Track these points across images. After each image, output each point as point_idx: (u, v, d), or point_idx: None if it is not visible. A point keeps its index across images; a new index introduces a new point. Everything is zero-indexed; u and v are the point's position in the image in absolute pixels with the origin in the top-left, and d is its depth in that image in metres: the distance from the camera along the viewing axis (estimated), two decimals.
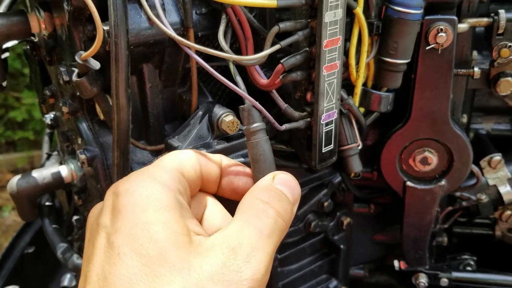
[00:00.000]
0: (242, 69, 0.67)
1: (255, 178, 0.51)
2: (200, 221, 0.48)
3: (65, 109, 0.65)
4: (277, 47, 0.57)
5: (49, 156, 0.81)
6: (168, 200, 0.41)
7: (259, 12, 0.64)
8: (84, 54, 0.54)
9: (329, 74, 0.60)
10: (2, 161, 3.00)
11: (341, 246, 0.86)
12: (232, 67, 0.57)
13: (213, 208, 0.49)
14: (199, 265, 0.38)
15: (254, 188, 0.48)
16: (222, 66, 0.70)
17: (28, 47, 0.74)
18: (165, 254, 0.38)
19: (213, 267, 0.38)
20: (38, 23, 0.63)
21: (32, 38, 0.72)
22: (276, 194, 0.47)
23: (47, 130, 0.89)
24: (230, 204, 0.50)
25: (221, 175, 0.51)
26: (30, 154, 2.99)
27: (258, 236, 0.41)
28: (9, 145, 3.13)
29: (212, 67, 0.69)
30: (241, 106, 0.54)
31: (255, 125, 0.52)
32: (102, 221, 0.42)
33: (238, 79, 0.57)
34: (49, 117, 0.76)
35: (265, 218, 0.43)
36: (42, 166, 0.79)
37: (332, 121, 0.63)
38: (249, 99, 0.56)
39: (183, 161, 0.47)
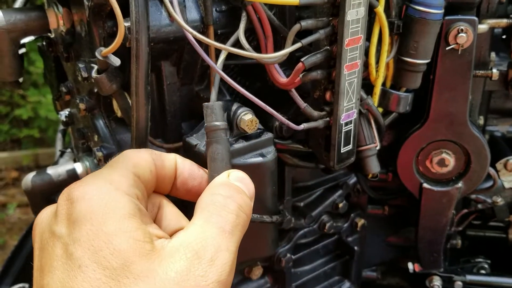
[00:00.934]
0: (261, 68, 0.67)
1: (210, 177, 0.50)
2: (155, 222, 0.47)
3: (82, 106, 0.65)
4: (298, 45, 0.56)
5: (62, 153, 0.81)
6: (126, 208, 0.40)
7: (279, 10, 0.63)
8: (104, 50, 0.53)
9: (349, 73, 0.59)
10: (7, 158, 3.00)
11: (355, 248, 0.85)
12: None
13: (167, 208, 0.48)
14: (164, 272, 0.37)
15: (212, 185, 0.47)
16: (239, 65, 0.69)
17: (44, 43, 0.74)
18: (129, 265, 0.37)
19: (178, 273, 0.37)
20: (56, 19, 0.62)
21: (49, 34, 0.71)
22: (235, 188, 0.46)
23: (60, 127, 0.89)
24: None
25: (176, 175, 0.49)
26: (35, 152, 3.00)
27: (220, 235, 0.41)
28: (14, 142, 3.13)
29: (229, 65, 0.69)
30: (205, 103, 0.53)
31: (215, 123, 0.52)
32: (57, 230, 0.40)
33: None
34: (63, 114, 0.75)
35: (226, 214, 0.43)
36: (55, 163, 0.78)
37: (351, 121, 0.63)
38: (258, 102, 0.56)
39: (139, 162, 0.45)
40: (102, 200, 0.39)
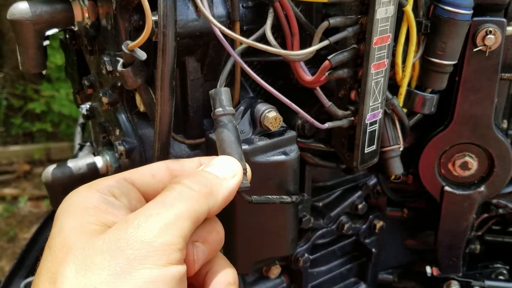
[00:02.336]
0: (283, 66, 0.66)
1: None
2: None
3: (104, 100, 0.64)
4: (325, 42, 0.56)
5: (81, 147, 0.81)
6: (88, 201, 0.44)
7: (305, 7, 0.63)
8: (131, 44, 0.53)
9: (377, 73, 0.58)
10: (19, 152, 3.03)
11: (373, 250, 0.84)
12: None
13: None
14: (93, 243, 0.39)
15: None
16: (262, 62, 0.69)
17: (66, 36, 0.74)
18: (67, 242, 0.40)
19: (106, 241, 0.39)
20: (82, 12, 0.62)
21: (72, 27, 0.71)
22: (196, 176, 0.45)
23: (80, 121, 0.89)
24: None
25: None
26: (47, 146, 3.02)
27: (156, 205, 0.42)
28: (26, 136, 3.15)
29: (251, 62, 0.69)
30: (211, 90, 0.53)
31: (220, 109, 0.51)
32: None
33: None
34: (84, 107, 0.75)
35: (167, 192, 0.43)
36: (74, 156, 0.78)
37: (376, 121, 0.62)
38: (283, 99, 0.55)
39: (139, 169, 0.49)
40: (72, 198, 0.45)
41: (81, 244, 0.40)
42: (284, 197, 0.58)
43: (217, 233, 0.46)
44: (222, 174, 0.46)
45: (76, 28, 0.71)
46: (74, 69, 0.77)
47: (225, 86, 0.67)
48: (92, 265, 0.38)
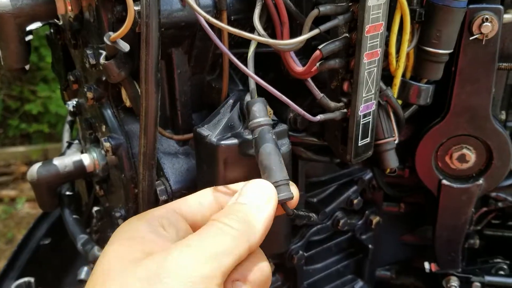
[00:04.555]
0: (275, 58, 0.64)
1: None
2: None
3: (89, 95, 0.62)
4: (316, 31, 0.54)
5: (69, 144, 0.79)
6: (132, 231, 0.45)
7: None
8: (113, 35, 0.51)
9: (369, 62, 0.56)
10: (16, 153, 3.01)
11: (369, 246, 0.82)
12: (250, 54, 0.55)
13: None
14: (131, 270, 0.40)
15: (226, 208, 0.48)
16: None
17: (51, 31, 0.72)
18: (107, 271, 0.41)
19: (144, 268, 0.40)
20: (64, 4, 0.60)
21: (56, 21, 0.69)
22: (232, 212, 0.45)
23: (68, 118, 0.87)
24: None
25: None
26: (44, 147, 3.00)
27: (197, 238, 0.43)
28: (24, 137, 3.14)
29: (241, 54, 0.67)
30: (248, 101, 0.53)
31: (255, 120, 0.51)
32: None
33: (251, 65, 0.55)
34: (71, 103, 0.73)
35: (208, 227, 0.44)
36: (62, 154, 0.76)
37: (370, 112, 0.60)
38: (273, 91, 0.53)
39: (187, 199, 0.50)
40: (124, 227, 0.46)
41: (120, 269, 0.40)
42: (311, 215, 0.58)
43: (262, 272, 0.45)
44: (256, 203, 0.46)
45: (60, 22, 0.69)
46: (61, 65, 0.75)
47: (214, 78, 0.65)
48: None
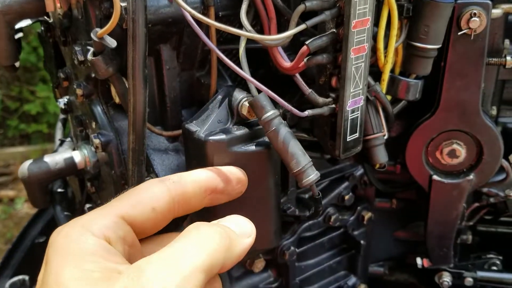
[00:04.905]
0: (264, 54, 0.64)
1: (290, 169, 0.52)
2: None
3: (79, 92, 0.63)
4: (302, 26, 0.54)
5: (62, 142, 0.79)
6: (84, 248, 0.39)
7: None
8: (100, 31, 0.51)
9: (356, 58, 0.57)
10: (16, 153, 3.01)
11: (361, 242, 0.83)
12: (242, 51, 0.55)
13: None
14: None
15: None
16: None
17: (42, 29, 0.72)
18: None
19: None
20: (53, 1, 0.60)
21: (47, 19, 0.69)
22: (215, 226, 0.43)
23: (61, 116, 0.87)
24: None
25: (207, 190, 0.48)
26: (44, 147, 3.01)
27: (174, 253, 0.39)
28: (23, 138, 3.14)
29: (230, 50, 0.67)
30: (250, 99, 0.53)
31: (267, 115, 0.52)
32: (39, 276, 0.41)
33: (244, 62, 0.55)
34: (62, 101, 0.73)
35: (186, 239, 0.40)
36: (55, 152, 0.76)
37: (358, 108, 0.60)
38: (260, 86, 0.53)
39: (138, 202, 0.44)
40: (65, 243, 0.40)
41: None
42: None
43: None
44: (240, 232, 0.45)
45: (51, 20, 0.69)
46: (52, 63, 0.75)
47: (203, 74, 0.65)
48: None
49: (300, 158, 0.52)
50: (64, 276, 0.37)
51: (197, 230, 0.41)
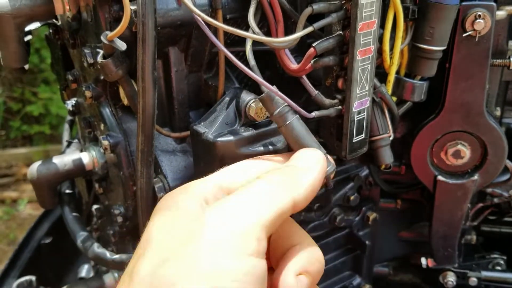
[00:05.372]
0: (271, 56, 0.65)
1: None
2: None
3: (88, 94, 0.63)
4: (309, 29, 0.55)
5: (69, 143, 0.80)
6: (180, 204, 0.43)
7: None
8: (110, 34, 0.52)
9: (363, 59, 0.57)
10: (18, 155, 3.02)
11: (366, 242, 0.83)
12: (248, 51, 0.55)
13: None
14: (171, 237, 0.39)
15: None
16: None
17: (50, 31, 0.73)
18: (149, 238, 0.40)
19: (183, 232, 0.38)
20: (63, 4, 0.61)
21: (55, 21, 0.70)
22: (276, 170, 0.44)
23: (68, 118, 0.88)
24: None
25: None
26: (46, 148, 3.01)
27: (234, 195, 0.41)
28: (25, 139, 3.15)
29: (237, 52, 0.67)
30: (260, 96, 0.53)
31: (280, 109, 0.51)
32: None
33: (253, 63, 0.55)
34: (70, 103, 0.74)
35: (248, 184, 0.42)
36: (62, 153, 0.77)
37: (364, 109, 0.61)
38: (268, 87, 0.54)
39: (234, 173, 0.47)
40: (168, 199, 0.44)
41: (160, 238, 0.38)
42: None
43: (319, 262, 0.45)
44: (304, 164, 0.45)
45: (59, 23, 0.70)
46: (60, 65, 0.76)
47: (210, 76, 0.66)
48: (169, 255, 0.36)
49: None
50: (152, 225, 0.41)
51: (257, 178, 0.42)
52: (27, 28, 0.64)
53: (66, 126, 0.87)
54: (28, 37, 0.67)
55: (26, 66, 0.65)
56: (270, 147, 0.59)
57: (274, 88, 0.55)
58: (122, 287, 0.37)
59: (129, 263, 0.39)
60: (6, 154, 3.03)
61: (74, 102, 0.74)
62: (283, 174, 0.43)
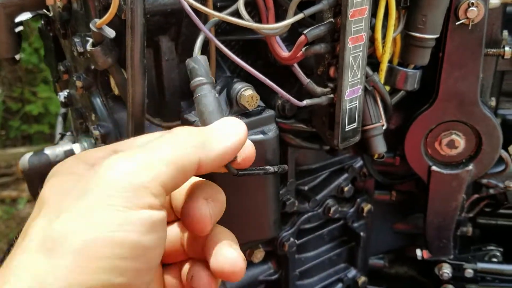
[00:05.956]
0: (263, 46, 0.64)
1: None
2: None
3: (78, 84, 0.63)
4: (300, 16, 0.54)
5: (62, 136, 0.79)
6: (73, 168, 0.42)
7: None
8: (99, 21, 0.52)
9: (354, 47, 0.57)
10: (18, 154, 3.02)
11: (361, 234, 0.83)
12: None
13: None
14: (66, 193, 0.38)
15: None
16: (240, 42, 0.67)
17: (42, 23, 0.73)
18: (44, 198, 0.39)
19: (77, 187, 0.38)
20: None
21: (47, 12, 0.70)
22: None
23: (61, 110, 0.88)
24: None
25: None
26: (45, 148, 3.01)
27: (135, 148, 0.39)
28: (25, 138, 3.15)
29: (229, 42, 0.67)
30: (187, 59, 0.50)
31: (199, 79, 0.48)
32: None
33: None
34: (62, 94, 0.74)
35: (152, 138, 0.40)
36: (55, 145, 0.77)
37: (356, 97, 0.60)
38: (257, 75, 0.53)
39: (135, 142, 0.44)
40: (59, 167, 0.42)
41: (56, 196, 0.38)
42: (267, 167, 0.55)
43: (222, 195, 0.44)
44: (220, 128, 0.42)
45: (51, 14, 0.70)
46: (52, 57, 0.75)
47: None
48: (62, 210, 0.35)
49: (213, 116, 0.47)
50: (45, 189, 0.40)
51: (170, 132, 0.41)
52: (18, 19, 0.64)
53: (60, 119, 0.87)
54: (19, 28, 0.67)
55: (17, 56, 0.65)
56: (262, 135, 0.58)
57: (263, 77, 0.55)
58: (16, 248, 0.36)
59: (25, 225, 0.38)
60: (6, 153, 3.03)
61: (66, 93, 0.74)
62: (193, 132, 0.40)
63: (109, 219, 0.35)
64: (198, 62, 0.49)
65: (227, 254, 0.42)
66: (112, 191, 0.35)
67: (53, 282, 0.33)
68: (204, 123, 0.46)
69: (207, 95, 0.48)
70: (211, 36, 0.53)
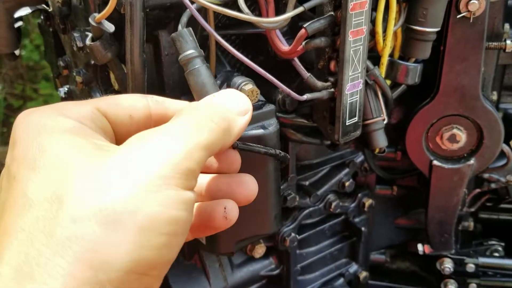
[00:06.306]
0: (263, 40, 0.64)
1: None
2: None
3: (78, 79, 0.63)
4: (300, 9, 0.54)
5: None
6: (66, 125, 0.37)
7: None
8: (98, 15, 0.51)
9: (355, 40, 0.56)
10: None
11: (362, 229, 0.83)
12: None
13: None
14: (101, 160, 0.34)
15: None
16: (241, 36, 0.67)
17: (42, 18, 0.73)
18: (65, 159, 0.34)
19: (121, 157, 0.35)
20: None
21: (47, 8, 0.70)
22: (214, 108, 0.41)
23: None
24: None
25: None
26: None
27: (176, 128, 0.38)
28: None
29: (230, 36, 0.67)
30: (172, 34, 0.49)
31: (187, 52, 0.48)
32: (6, 159, 0.38)
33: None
34: (63, 90, 0.74)
35: (186, 117, 0.39)
36: None
37: (357, 91, 0.60)
38: (257, 69, 0.53)
39: (118, 104, 0.42)
40: (41, 121, 0.37)
41: (85, 160, 0.34)
42: (268, 147, 0.54)
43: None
44: (236, 110, 0.43)
45: (50, 9, 0.70)
46: (52, 52, 0.75)
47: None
48: (107, 181, 0.33)
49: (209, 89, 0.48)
50: (52, 146, 0.35)
51: (196, 110, 0.40)
52: (17, 14, 0.64)
53: None
54: (18, 23, 0.66)
55: (17, 52, 0.65)
56: (262, 130, 0.58)
57: (263, 71, 0.55)
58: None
59: (32, 187, 0.33)
60: (7, 151, 3.03)
61: (66, 89, 0.73)
62: (221, 118, 0.40)
63: (168, 197, 0.34)
64: (184, 35, 0.48)
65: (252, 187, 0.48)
66: (168, 172, 0.35)
67: (116, 258, 0.32)
68: (200, 98, 0.45)
69: (200, 69, 0.47)
70: (211, 30, 0.53)
